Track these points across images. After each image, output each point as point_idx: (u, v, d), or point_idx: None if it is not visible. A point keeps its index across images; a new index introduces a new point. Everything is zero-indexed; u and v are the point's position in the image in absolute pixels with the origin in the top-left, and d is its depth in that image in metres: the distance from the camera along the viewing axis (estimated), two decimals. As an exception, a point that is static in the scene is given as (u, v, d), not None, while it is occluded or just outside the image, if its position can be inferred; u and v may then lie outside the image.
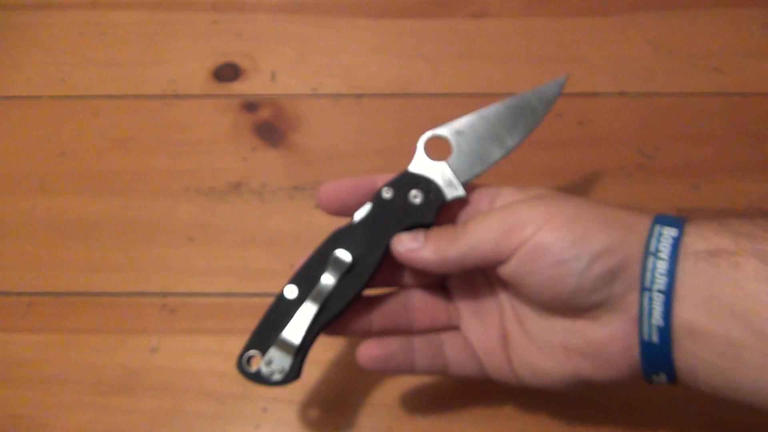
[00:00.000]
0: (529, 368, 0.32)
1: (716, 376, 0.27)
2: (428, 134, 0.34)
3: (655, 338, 0.28)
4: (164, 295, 0.42)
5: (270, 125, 0.49)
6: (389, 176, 0.33)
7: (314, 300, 0.32)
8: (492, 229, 0.30)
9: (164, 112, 0.50)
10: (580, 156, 0.47)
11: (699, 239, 0.28)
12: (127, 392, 0.39)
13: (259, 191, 0.46)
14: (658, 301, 0.27)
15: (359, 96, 0.50)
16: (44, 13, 0.55)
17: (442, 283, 0.35)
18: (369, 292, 0.34)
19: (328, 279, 0.32)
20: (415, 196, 0.33)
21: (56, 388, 0.39)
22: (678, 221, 0.28)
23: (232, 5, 0.55)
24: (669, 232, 0.28)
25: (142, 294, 0.42)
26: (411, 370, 0.33)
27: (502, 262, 0.30)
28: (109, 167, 0.48)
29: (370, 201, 0.33)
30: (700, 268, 0.27)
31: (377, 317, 0.33)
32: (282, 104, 0.50)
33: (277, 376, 0.32)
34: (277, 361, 0.32)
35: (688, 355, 0.27)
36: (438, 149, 0.34)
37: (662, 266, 0.27)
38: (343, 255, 0.32)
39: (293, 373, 0.32)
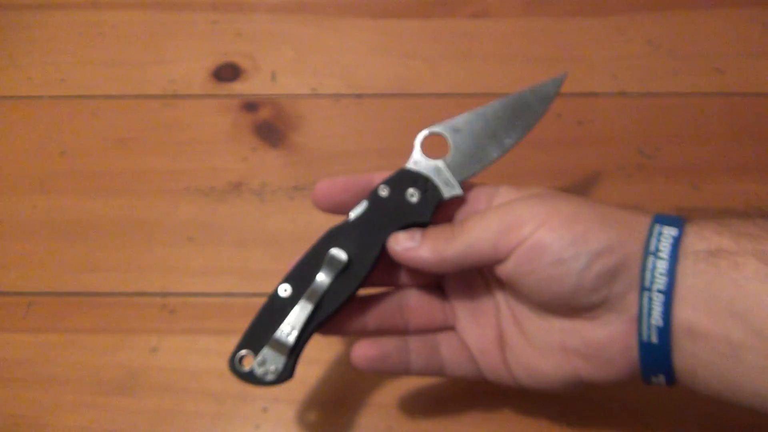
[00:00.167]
0: (526, 369, 0.32)
1: (715, 377, 0.27)
2: (425, 132, 0.34)
3: (654, 339, 0.27)
4: (164, 295, 0.42)
5: (270, 125, 0.49)
6: (385, 174, 0.33)
7: (309, 299, 0.31)
8: (490, 227, 0.30)
9: (164, 112, 0.50)
10: (580, 156, 0.47)
11: (699, 239, 0.27)
12: (127, 392, 0.39)
13: (259, 191, 0.46)
14: (657, 301, 0.27)
15: (359, 96, 0.50)
16: (44, 13, 0.55)
17: (438, 283, 0.35)
18: (364, 291, 0.33)
19: (323, 278, 0.31)
20: (412, 195, 0.33)
21: (56, 388, 0.39)
22: (678, 221, 0.28)
23: (232, 5, 0.55)
24: (669, 232, 0.28)
25: (142, 294, 0.42)
26: (406, 371, 0.33)
27: (500, 261, 0.30)
28: (109, 167, 0.48)
29: (366, 199, 0.33)
30: (700, 268, 0.27)
31: (372, 317, 0.33)
32: (282, 104, 0.50)
33: (270, 377, 0.31)
34: (270, 360, 0.31)
35: (687, 356, 0.27)
36: (435, 147, 0.34)
37: (662, 266, 0.27)
38: (339, 254, 0.32)
39: (286, 373, 0.32)
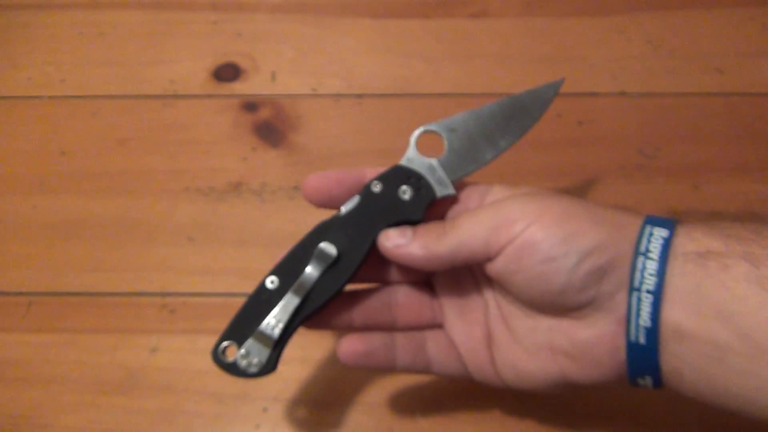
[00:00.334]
0: (513, 369, 0.32)
1: (701, 380, 0.27)
2: (421, 129, 0.34)
3: (642, 339, 0.27)
4: (164, 295, 0.42)
5: (270, 125, 0.49)
6: (378, 169, 0.33)
7: (296, 292, 0.31)
8: (482, 225, 0.30)
9: (164, 112, 0.50)
10: (580, 156, 0.47)
11: (689, 240, 0.27)
12: (127, 392, 0.39)
13: (259, 191, 0.46)
14: (646, 301, 0.27)
15: (359, 96, 0.50)
16: (44, 13, 0.55)
17: (427, 280, 0.35)
18: (353, 286, 0.33)
19: (311, 272, 0.31)
20: (405, 192, 0.32)
21: (56, 388, 0.39)
22: (669, 222, 0.28)
23: (232, 5, 0.55)
24: (660, 233, 0.28)
25: (142, 294, 0.42)
26: (392, 368, 0.33)
27: (490, 258, 0.29)
28: (109, 167, 0.48)
29: (359, 194, 0.32)
30: (689, 270, 0.27)
31: (359, 312, 0.33)
32: (282, 104, 0.50)
33: (253, 369, 0.31)
34: (254, 352, 0.31)
35: (674, 357, 0.27)
36: (430, 146, 0.34)
37: (652, 266, 0.27)
38: (329, 248, 0.31)
39: (270, 366, 0.31)
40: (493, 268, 0.30)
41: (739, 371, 0.26)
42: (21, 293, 0.43)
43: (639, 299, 0.27)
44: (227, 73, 0.52)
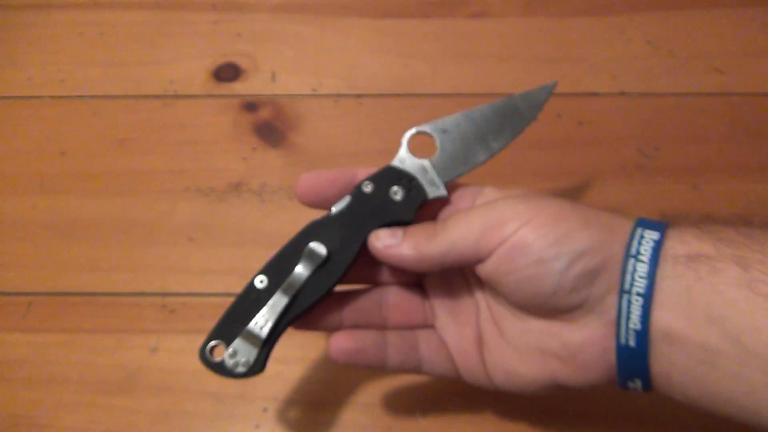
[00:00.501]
0: (503, 371, 0.31)
1: (691, 383, 0.27)
2: (413, 130, 0.34)
3: (632, 342, 0.27)
4: (164, 295, 0.42)
5: (270, 125, 0.49)
6: (370, 170, 0.33)
7: (285, 292, 0.31)
8: (473, 226, 0.29)
9: (164, 112, 0.50)
10: (580, 156, 0.47)
11: (680, 243, 0.27)
12: (127, 392, 0.39)
13: (259, 191, 0.46)
14: (636, 304, 0.27)
15: (359, 96, 0.50)
16: (44, 13, 0.55)
17: (418, 281, 0.35)
18: (343, 287, 0.33)
19: (300, 271, 0.31)
20: (396, 193, 0.32)
21: (56, 388, 0.39)
22: (660, 225, 0.28)
23: (232, 5, 0.55)
24: (650, 236, 0.28)
25: (142, 294, 0.42)
26: (382, 366, 0.33)
27: (481, 260, 0.29)
28: (109, 167, 0.48)
29: (350, 194, 0.32)
30: (679, 273, 0.27)
31: (350, 313, 0.33)
32: (282, 104, 0.50)
33: (240, 369, 0.31)
34: (242, 352, 0.31)
35: (664, 361, 0.27)
36: (423, 147, 0.34)
37: (642, 269, 0.27)
38: (318, 248, 0.31)
39: (257, 366, 0.31)
40: (484, 269, 0.30)
41: (728, 375, 0.25)
42: (21, 293, 0.43)
43: (629, 302, 0.27)
44: (227, 73, 0.52)
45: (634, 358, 0.27)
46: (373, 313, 0.33)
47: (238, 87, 0.51)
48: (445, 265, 0.30)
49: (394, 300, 0.34)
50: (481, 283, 0.33)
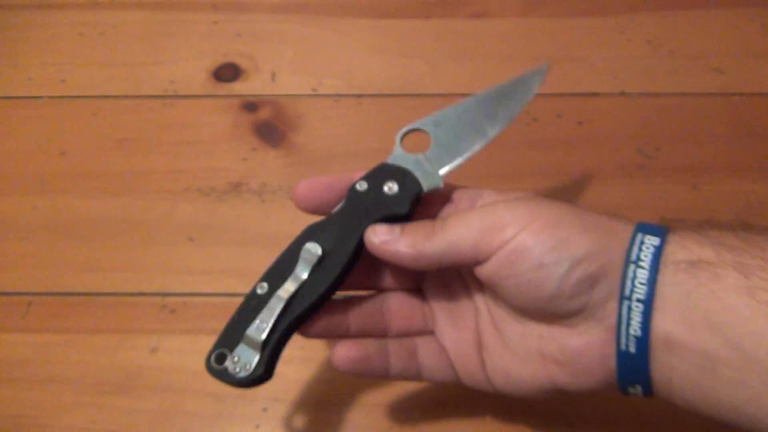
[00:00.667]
0: (503, 374, 0.31)
1: (692, 389, 0.27)
2: (406, 128, 0.34)
3: (632, 348, 0.27)
4: (164, 295, 0.42)
5: (270, 125, 0.49)
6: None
7: (282, 294, 0.31)
8: (472, 227, 0.29)
9: (164, 112, 0.50)
10: (580, 156, 0.47)
11: (680, 249, 0.27)
12: (127, 392, 0.39)
13: (259, 191, 0.46)
14: (636, 310, 0.27)
15: (359, 96, 0.50)
16: (44, 13, 0.55)
17: (418, 286, 0.35)
18: (346, 293, 0.33)
19: (297, 273, 0.31)
20: (390, 188, 0.32)
21: (56, 388, 0.39)
22: (660, 230, 0.28)
23: (232, 5, 0.56)
24: (651, 241, 0.27)
25: (142, 294, 0.42)
26: (385, 375, 0.32)
27: (480, 262, 0.29)
28: (109, 167, 0.48)
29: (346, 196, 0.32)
30: (680, 279, 0.26)
31: (354, 319, 0.33)
32: (282, 104, 0.50)
33: (242, 373, 0.30)
34: (243, 357, 0.31)
35: (664, 366, 0.27)
36: (419, 144, 0.33)
37: (643, 275, 0.27)
38: (313, 247, 0.31)
39: (260, 371, 0.31)
40: (483, 271, 0.29)
41: (729, 381, 0.25)
42: (21, 293, 0.43)
43: (629, 308, 0.27)
44: (227, 73, 0.52)
45: (634, 364, 0.27)
46: (376, 319, 0.33)
47: (238, 87, 0.51)
48: (442, 265, 0.30)
49: (396, 306, 0.34)
50: (480, 287, 0.33)
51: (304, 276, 0.31)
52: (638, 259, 0.27)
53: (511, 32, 0.53)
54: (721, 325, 0.25)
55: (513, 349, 0.31)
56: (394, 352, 0.33)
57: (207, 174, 0.47)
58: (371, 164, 0.33)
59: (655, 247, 0.27)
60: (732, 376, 0.25)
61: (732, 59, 0.51)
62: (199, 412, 0.38)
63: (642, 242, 0.27)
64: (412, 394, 0.39)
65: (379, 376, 0.33)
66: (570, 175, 0.46)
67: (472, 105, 0.34)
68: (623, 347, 0.27)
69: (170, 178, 0.47)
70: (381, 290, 0.34)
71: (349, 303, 0.33)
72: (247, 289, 0.32)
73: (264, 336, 0.30)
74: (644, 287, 0.27)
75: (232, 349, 0.31)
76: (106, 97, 0.51)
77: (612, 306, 0.27)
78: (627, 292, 0.27)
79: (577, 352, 0.29)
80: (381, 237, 0.31)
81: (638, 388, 0.28)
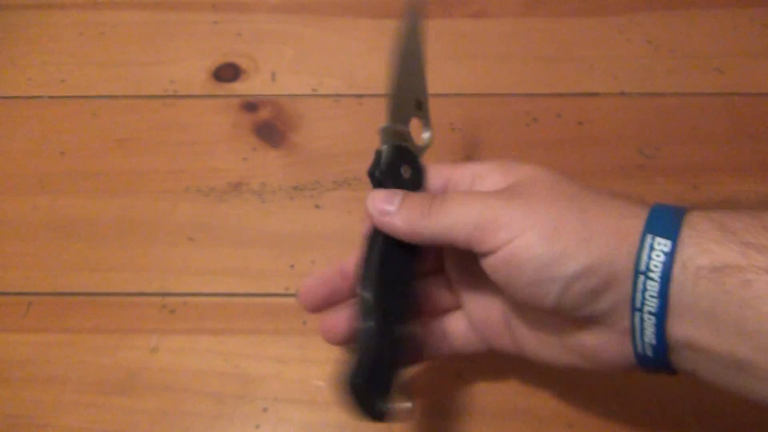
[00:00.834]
0: (531, 351, 0.31)
1: (720, 381, 0.26)
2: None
3: (649, 352, 0.27)
4: (164, 295, 0.42)
5: (270, 125, 0.49)
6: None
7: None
8: (467, 219, 0.28)
9: (164, 112, 0.50)
10: (580, 156, 0.47)
11: (700, 253, 0.25)
12: (127, 392, 0.39)
13: (259, 191, 0.46)
14: (649, 322, 0.26)
15: (359, 96, 0.50)
16: (44, 13, 0.55)
17: (441, 267, 0.35)
18: None
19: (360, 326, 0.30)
20: (406, 171, 0.32)
21: (56, 388, 0.39)
22: (673, 229, 0.26)
23: (232, 5, 0.55)
24: (661, 247, 0.25)
25: (142, 294, 0.42)
26: (420, 359, 0.33)
27: (476, 253, 0.29)
28: (109, 167, 0.48)
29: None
30: (702, 289, 0.24)
31: None
32: (282, 104, 0.50)
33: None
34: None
35: (687, 362, 0.26)
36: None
37: (653, 288, 0.25)
38: (366, 295, 0.30)
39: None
40: (483, 264, 0.29)
41: (760, 380, 0.24)
42: (21, 293, 0.43)
43: (642, 320, 0.26)
44: (227, 73, 0.52)
45: (654, 363, 0.27)
46: None
47: (238, 87, 0.51)
48: (437, 244, 0.30)
49: (425, 289, 0.33)
50: None
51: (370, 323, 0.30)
52: (648, 269, 0.25)
53: (511, 32, 0.53)
54: (754, 333, 0.24)
55: (535, 333, 0.31)
56: (429, 333, 0.33)
57: (207, 174, 0.47)
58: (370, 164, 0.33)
59: (666, 254, 0.25)
60: (764, 376, 0.24)
61: (732, 59, 0.51)
62: (199, 412, 0.38)
63: (652, 248, 0.25)
64: (413, 394, 0.39)
65: (415, 362, 0.33)
66: (570, 175, 0.46)
67: (396, 66, 0.35)
68: (640, 350, 0.27)
69: (170, 178, 0.47)
70: None
71: None
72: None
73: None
74: (655, 300, 0.25)
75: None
76: (106, 97, 0.51)
77: (623, 311, 0.26)
78: (638, 304, 0.26)
79: (595, 349, 0.28)
80: (378, 206, 0.30)
81: (663, 373, 0.28)
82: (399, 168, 0.32)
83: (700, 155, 0.47)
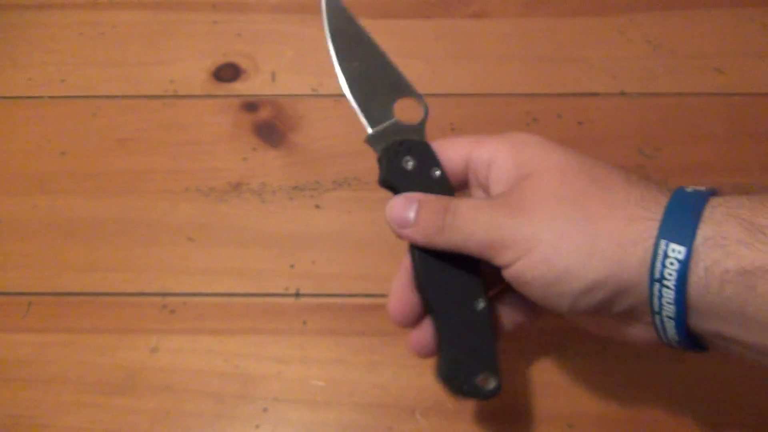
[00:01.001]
0: (574, 322, 0.31)
1: (753, 361, 0.26)
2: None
3: (675, 344, 0.27)
4: (164, 295, 0.42)
5: (270, 125, 0.49)
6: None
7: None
8: (476, 238, 0.29)
9: (164, 112, 0.50)
10: (580, 156, 0.47)
11: (725, 256, 0.24)
12: (127, 392, 0.39)
13: (259, 191, 0.46)
14: (669, 324, 0.26)
15: (359, 96, 0.50)
16: (44, 13, 0.55)
17: None
18: None
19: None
20: (407, 162, 0.32)
21: (56, 388, 0.39)
22: (689, 231, 0.24)
23: (232, 5, 0.55)
24: (675, 254, 0.24)
25: (142, 294, 0.42)
26: (499, 331, 0.33)
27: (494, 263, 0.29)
28: (109, 167, 0.48)
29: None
30: (731, 292, 0.24)
31: None
32: (282, 104, 0.50)
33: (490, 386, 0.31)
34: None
35: (718, 346, 0.26)
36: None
37: (669, 295, 0.25)
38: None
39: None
40: (502, 274, 0.29)
41: None
42: (21, 293, 0.43)
43: (662, 321, 0.26)
44: (227, 73, 0.52)
45: (685, 348, 0.27)
46: None
47: (238, 87, 0.51)
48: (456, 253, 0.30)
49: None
50: None
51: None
52: (662, 277, 0.25)
53: (511, 32, 0.53)
54: None
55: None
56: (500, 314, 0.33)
57: (207, 174, 0.47)
58: (371, 164, 0.33)
59: (680, 261, 0.24)
60: None
61: (732, 59, 0.51)
62: (199, 412, 0.38)
63: (666, 255, 0.24)
64: (412, 392, 0.39)
65: (496, 337, 0.33)
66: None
67: (338, 64, 0.35)
68: (666, 342, 0.27)
69: (170, 178, 0.47)
70: None
71: None
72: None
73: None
74: (673, 307, 0.25)
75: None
76: (106, 97, 0.51)
77: (643, 311, 0.26)
78: (656, 308, 0.26)
79: (624, 335, 0.29)
80: (396, 218, 0.31)
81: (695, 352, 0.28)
82: (402, 165, 0.32)
83: (700, 155, 0.47)
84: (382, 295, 0.42)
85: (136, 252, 0.44)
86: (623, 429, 0.37)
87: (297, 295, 0.42)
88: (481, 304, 0.31)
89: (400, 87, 0.34)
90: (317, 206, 0.45)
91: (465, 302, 0.31)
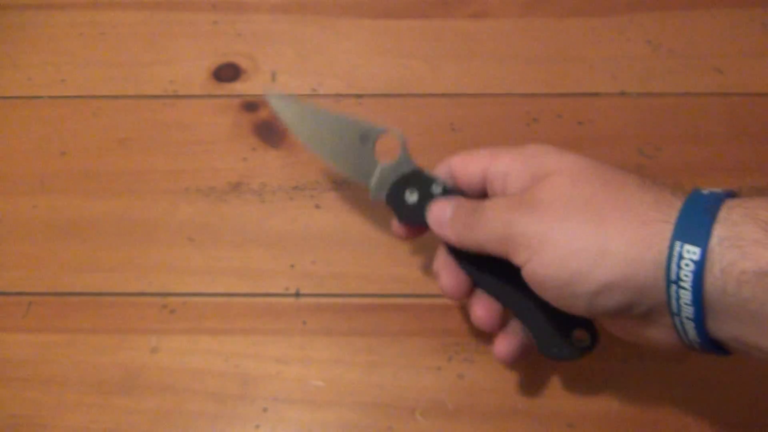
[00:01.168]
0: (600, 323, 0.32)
1: None
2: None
3: (696, 347, 0.26)
4: (164, 295, 0.42)
5: (270, 125, 0.49)
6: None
7: None
8: (494, 237, 0.30)
9: (164, 112, 0.50)
10: (580, 156, 0.47)
11: (742, 257, 0.23)
12: (127, 392, 0.39)
13: (259, 191, 0.46)
14: (689, 325, 0.25)
15: (359, 96, 0.50)
16: (44, 13, 0.55)
17: None
18: None
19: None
20: (411, 194, 0.35)
21: (56, 388, 0.39)
22: (704, 232, 0.24)
23: (232, 5, 0.55)
24: (690, 255, 0.24)
25: (142, 294, 0.42)
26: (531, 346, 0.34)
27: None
28: (109, 167, 0.48)
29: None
30: (748, 293, 0.23)
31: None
32: (282, 104, 0.50)
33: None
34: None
35: (738, 350, 0.26)
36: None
37: (687, 296, 0.24)
38: None
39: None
40: (521, 273, 0.30)
41: None
42: (21, 293, 0.43)
43: (682, 323, 0.26)
44: (227, 73, 0.52)
45: (706, 351, 0.27)
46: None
47: (238, 87, 0.51)
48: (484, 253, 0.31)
49: None
50: None
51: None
52: (679, 278, 0.24)
53: (511, 32, 0.53)
54: None
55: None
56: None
57: (207, 174, 0.47)
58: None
59: (695, 262, 0.24)
60: None
61: (732, 59, 0.51)
62: (200, 412, 0.38)
63: (681, 256, 0.24)
64: (412, 392, 0.39)
65: (527, 351, 0.35)
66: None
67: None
68: (687, 344, 0.27)
69: (170, 178, 0.47)
70: None
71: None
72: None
73: None
74: (690, 308, 0.25)
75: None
76: (106, 97, 0.51)
77: (662, 313, 0.26)
78: (674, 309, 0.25)
79: (648, 338, 0.28)
80: (435, 216, 0.33)
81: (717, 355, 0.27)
82: (407, 201, 0.35)
83: (700, 155, 0.47)
84: (382, 295, 0.42)
85: (136, 252, 0.44)
86: (623, 429, 0.37)
87: (297, 295, 0.42)
88: None
89: (367, 134, 0.37)
90: (317, 206, 0.45)
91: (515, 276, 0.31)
